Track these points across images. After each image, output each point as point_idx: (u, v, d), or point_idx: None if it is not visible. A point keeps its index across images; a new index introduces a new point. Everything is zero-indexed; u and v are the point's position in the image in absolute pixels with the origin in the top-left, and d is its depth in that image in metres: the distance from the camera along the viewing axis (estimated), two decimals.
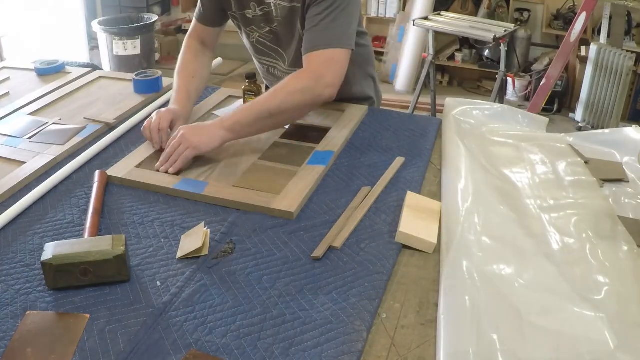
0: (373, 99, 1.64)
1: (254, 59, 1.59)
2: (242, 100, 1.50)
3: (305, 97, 1.25)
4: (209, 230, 1.00)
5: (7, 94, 1.61)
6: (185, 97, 1.40)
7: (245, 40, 1.52)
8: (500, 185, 1.17)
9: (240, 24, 1.46)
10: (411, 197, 1.09)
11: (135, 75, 1.63)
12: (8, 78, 1.73)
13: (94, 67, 1.97)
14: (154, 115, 1.30)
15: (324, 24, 1.26)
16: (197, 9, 1.50)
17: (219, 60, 1.86)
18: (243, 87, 1.47)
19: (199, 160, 1.24)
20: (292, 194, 1.10)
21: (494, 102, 3.27)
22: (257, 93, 1.44)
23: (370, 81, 1.63)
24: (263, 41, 1.46)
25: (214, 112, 1.48)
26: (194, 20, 1.52)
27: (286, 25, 1.37)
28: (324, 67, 1.26)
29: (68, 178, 1.19)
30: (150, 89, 1.61)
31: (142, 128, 1.30)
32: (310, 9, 1.29)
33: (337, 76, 1.28)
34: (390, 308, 0.86)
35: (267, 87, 1.69)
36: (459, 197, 1.08)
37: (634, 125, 1.42)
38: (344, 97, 1.49)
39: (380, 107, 1.67)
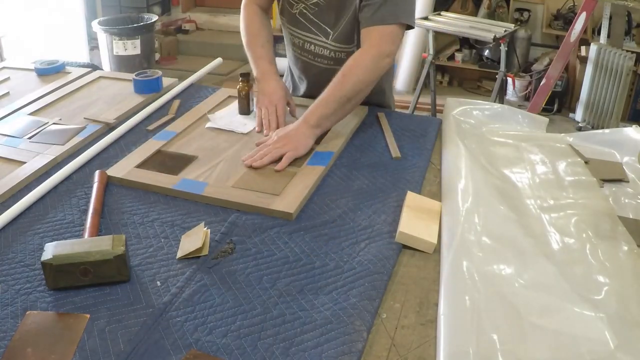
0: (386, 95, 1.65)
1: (287, 34, 1.54)
2: (236, 102, 1.49)
3: (374, 74, 1.32)
4: (209, 230, 1.00)
5: (7, 94, 1.61)
6: (272, 68, 1.45)
7: (284, 13, 1.49)
8: (500, 185, 1.17)
9: None
10: (411, 197, 1.09)
11: (136, 75, 1.63)
12: (8, 78, 1.73)
13: (94, 67, 1.97)
14: (268, 105, 1.37)
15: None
16: None
17: (218, 60, 1.86)
18: (238, 87, 1.45)
19: (199, 161, 1.24)
20: (291, 194, 1.10)
21: (494, 102, 3.27)
22: (248, 92, 1.44)
23: (390, 90, 1.65)
24: (306, 13, 1.44)
25: (208, 115, 1.46)
26: None
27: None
28: (385, 40, 1.32)
29: (68, 178, 1.19)
30: (150, 89, 1.61)
31: (260, 108, 1.38)
32: None
33: (396, 49, 1.36)
34: (390, 308, 0.86)
35: (291, 72, 1.67)
36: (459, 197, 1.08)
37: (634, 125, 1.42)
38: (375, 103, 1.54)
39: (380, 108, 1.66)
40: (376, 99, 1.56)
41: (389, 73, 1.63)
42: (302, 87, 1.63)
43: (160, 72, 1.65)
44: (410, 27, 1.36)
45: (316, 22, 1.44)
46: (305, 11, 1.44)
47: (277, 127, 1.34)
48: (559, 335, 0.80)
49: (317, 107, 1.29)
